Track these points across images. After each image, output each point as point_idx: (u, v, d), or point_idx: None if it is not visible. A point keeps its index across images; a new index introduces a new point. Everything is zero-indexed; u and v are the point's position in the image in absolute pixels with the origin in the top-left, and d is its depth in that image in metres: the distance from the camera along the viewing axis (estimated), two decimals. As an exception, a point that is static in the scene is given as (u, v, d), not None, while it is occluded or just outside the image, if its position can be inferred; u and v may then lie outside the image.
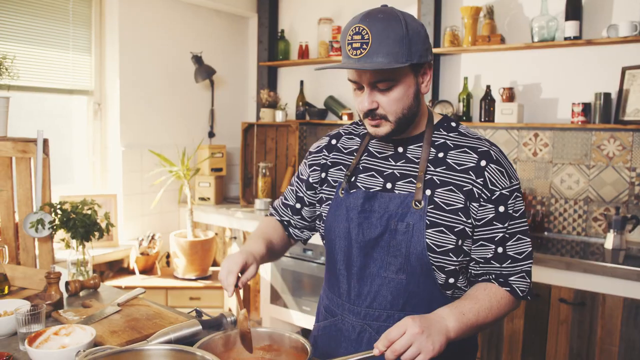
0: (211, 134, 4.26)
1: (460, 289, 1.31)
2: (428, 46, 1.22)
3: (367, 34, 1.14)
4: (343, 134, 1.47)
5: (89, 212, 2.00)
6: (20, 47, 3.13)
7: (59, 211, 1.97)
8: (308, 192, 1.48)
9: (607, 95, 2.91)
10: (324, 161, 1.45)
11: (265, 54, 4.31)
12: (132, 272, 3.51)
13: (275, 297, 3.63)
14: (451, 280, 1.28)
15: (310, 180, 1.47)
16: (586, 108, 2.95)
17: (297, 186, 1.52)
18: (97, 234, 2.01)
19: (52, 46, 3.31)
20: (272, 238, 1.47)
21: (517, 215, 1.27)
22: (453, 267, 1.26)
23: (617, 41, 2.84)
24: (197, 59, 3.95)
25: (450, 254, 1.24)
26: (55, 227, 1.96)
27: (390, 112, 1.22)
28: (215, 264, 3.95)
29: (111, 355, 1.05)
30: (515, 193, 1.26)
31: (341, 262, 1.35)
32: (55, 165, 3.31)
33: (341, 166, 1.41)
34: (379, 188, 1.31)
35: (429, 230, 1.23)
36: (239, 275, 1.23)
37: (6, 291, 1.85)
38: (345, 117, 3.79)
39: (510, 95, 3.22)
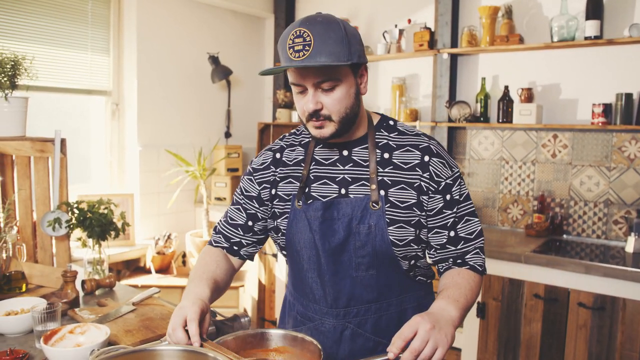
0: (227, 134, 4.27)
1: (420, 268, 1.41)
2: (363, 49, 1.28)
3: (309, 36, 1.17)
4: (285, 146, 1.46)
5: (105, 211, 2.02)
6: (39, 47, 3.17)
7: (75, 210, 1.99)
8: (261, 208, 1.45)
9: (628, 96, 2.86)
10: (273, 177, 1.43)
11: (282, 54, 4.31)
12: (149, 271, 3.54)
13: (290, 298, 3.62)
14: (412, 263, 1.37)
15: (262, 197, 1.44)
16: (607, 109, 2.90)
17: (245, 204, 1.47)
18: (113, 233, 2.02)
19: (71, 47, 3.34)
20: (215, 276, 1.38)
21: (462, 199, 1.36)
22: (415, 253, 1.36)
23: (639, 41, 2.78)
24: (214, 60, 3.97)
25: (411, 244, 1.33)
26: (72, 226, 1.97)
27: (334, 111, 1.25)
28: (230, 264, 3.96)
29: (124, 354, 1.05)
30: (458, 180, 1.36)
31: (312, 271, 1.37)
32: (73, 165, 3.34)
33: (290, 179, 1.40)
34: (335, 195, 1.34)
35: (390, 228, 1.30)
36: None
37: (24, 289, 1.88)
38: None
39: (528, 96, 3.17)
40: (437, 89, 3.51)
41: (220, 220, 1.53)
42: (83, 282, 1.94)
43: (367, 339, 1.37)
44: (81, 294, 1.93)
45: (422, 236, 1.34)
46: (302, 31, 1.18)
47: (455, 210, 1.34)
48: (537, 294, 2.65)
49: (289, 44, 1.19)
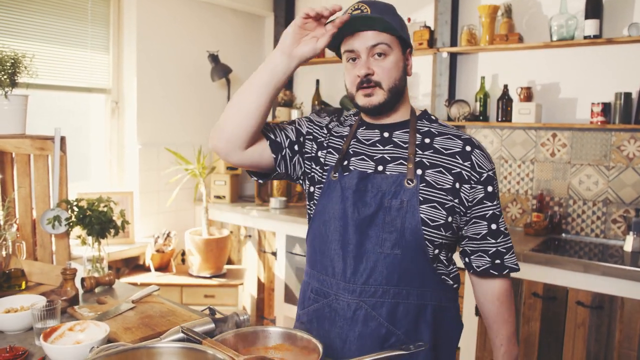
0: (227, 133, 4.27)
1: (442, 262, 1.38)
2: (409, 35, 1.39)
3: (366, 8, 1.29)
4: (336, 121, 1.52)
5: (105, 209, 2.02)
6: (39, 45, 3.17)
7: (75, 208, 1.99)
8: (296, 146, 1.44)
9: (627, 95, 2.86)
10: (321, 139, 1.47)
11: (281, 52, 4.31)
12: (148, 269, 3.54)
13: (289, 296, 3.63)
14: (436, 252, 1.35)
15: (306, 140, 1.46)
16: (606, 108, 2.90)
17: (293, 129, 1.46)
18: (112, 231, 2.02)
19: (71, 45, 3.34)
20: None
21: (497, 195, 1.40)
22: (440, 241, 1.34)
23: (638, 40, 2.78)
24: (214, 58, 3.97)
25: (441, 228, 1.33)
26: (71, 223, 1.98)
27: (384, 79, 1.32)
28: (229, 262, 3.97)
29: (123, 352, 1.05)
30: (494, 176, 1.40)
31: (336, 242, 1.37)
32: (73, 163, 3.33)
33: (331, 149, 1.45)
34: (371, 171, 1.37)
35: (422, 206, 1.31)
36: None
37: (23, 286, 1.88)
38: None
39: (528, 95, 3.18)
40: (436, 87, 3.52)
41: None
42: (82, 279, 1.94)
43: (380, 325, 1.32)
44: (81, 291, 1.93)
45: (453, 224, 1.34)
46: (360, 4, 1.30)
47: (494, 203, 1.38)
48: (536, 293, 2.65)
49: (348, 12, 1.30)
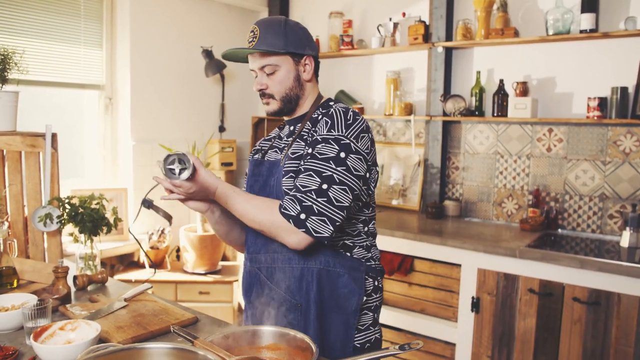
0: (221, 129, 4.25)
1: (347, 233, 1.55)
2: (307, 43, 1.56)
3: (256, 29, 1.53)
4: (278, 129, 1.75)
5: (97, 206, 2.00)
6: (32, 41, 3.13)
7: (67, 205, 1.97)
8: None
9: (624, 90, 2.85)
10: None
11: (276, 48, 4.29)
12: (142, 266, 3.52)
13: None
14: None
15: None
16: (602, 103, 2.89)
17: None
18: (105, 228, 2.01)
19: (64, 41, 3.31)
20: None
21: (320, 157, 1.43)
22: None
23: (634, 34, 2.77)
24: (208, 54, 3.94)
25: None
26: (63, 221, 1.95)
27: (275, 91, 1.55)
28: (225, 258, 3.95)
29: (113, 353, 1.04)
30: (330, 141, 1.44)
31: None
32: (67, 159, 3.32)
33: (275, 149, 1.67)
34: (272, 159, 1.59)
35: (284, 179, 1.48)
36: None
37: (15, 284, 1.86)
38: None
39: (523, 90, 3.16)
40: (431, 82, 3.50)
41: None
42: (75, 277, 1.92)
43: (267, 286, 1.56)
44: (73, 289, 1.91)
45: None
46: (253, 27, 1.55)
47: (303, 162, 1.45)
48: (532, 289, 2.65)
49: (247, 37, 1.56)
